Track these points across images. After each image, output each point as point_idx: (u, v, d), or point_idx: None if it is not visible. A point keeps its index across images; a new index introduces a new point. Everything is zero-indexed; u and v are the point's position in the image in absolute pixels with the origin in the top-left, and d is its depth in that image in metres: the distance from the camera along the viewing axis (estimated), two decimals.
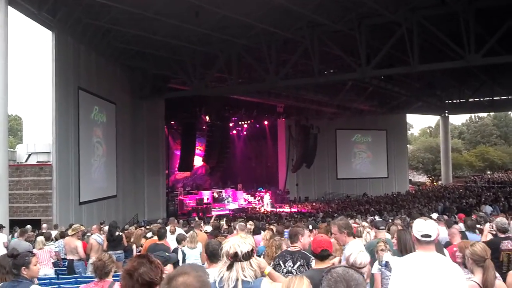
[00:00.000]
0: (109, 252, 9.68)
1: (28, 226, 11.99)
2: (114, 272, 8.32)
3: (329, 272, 2.44)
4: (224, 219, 18.65)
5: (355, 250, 4.04)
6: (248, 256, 3.12)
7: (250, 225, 10.77)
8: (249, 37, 22.64)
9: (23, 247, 8.38)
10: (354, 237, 5.18)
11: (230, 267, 3.11)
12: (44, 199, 19.29)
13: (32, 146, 23.34)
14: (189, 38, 22.16)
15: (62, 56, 19.20)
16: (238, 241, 3.16)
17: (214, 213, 29.84)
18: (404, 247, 5.28)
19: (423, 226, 3.61)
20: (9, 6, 15.51)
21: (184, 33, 21.33)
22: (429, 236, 3.57)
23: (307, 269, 4.44)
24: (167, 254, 5.42)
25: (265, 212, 32.38)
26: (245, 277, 3.09)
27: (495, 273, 3.96)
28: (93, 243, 9.84)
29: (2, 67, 14.87)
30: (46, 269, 9.16)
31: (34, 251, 9.18)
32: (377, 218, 17.02)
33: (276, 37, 22.27)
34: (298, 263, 4.61)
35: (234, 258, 3.10)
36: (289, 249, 4.91)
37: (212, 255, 4.52)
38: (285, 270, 4.57)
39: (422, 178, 65.36)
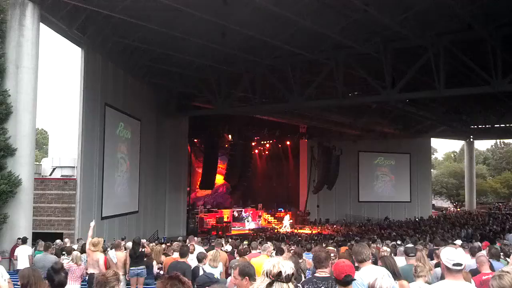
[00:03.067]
0: (131, 268, 9.74)
1: (58, 241, 12.09)
2: None
3: None
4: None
5: (379, 275, 3.97)
6: (289, 278, 3.07)
7: (270, 245, 10.70)
8: (274, 57, 22.79)
9: (49, 261, 8.43)
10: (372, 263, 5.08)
11: (269, 286, 3.05)
12: (67, 213, 19.50)
13: (57, 160, 23.62)
14: (214, 57, 22.42)
15: (90, 73, 19.55)
16: (282, 261, 3.12)
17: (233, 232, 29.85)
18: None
19: (454, 254, 3.57)
20: (41, 23, 15.92)
21: (210, 52, 21.60)
22: (460, 264, 3.53)
23: None
24: (215, 276, 5.35)
25: (285, 233, 32.16)
26: None
27: None
28: (108, 259, 9.90)
29: (32, 82, 15.17)
30: (75, 285, 9.16)
31: (71, 265, 9.25)
32: (399, 243, 16.78)
33: (300, 58, 22.36)
34: None
35: (277, 277, 3.05)
36: (317, 274, 4.65)
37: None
38: None
39: (446, 203, 64.27)
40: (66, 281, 4.27)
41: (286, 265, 3.09)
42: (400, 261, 6.86)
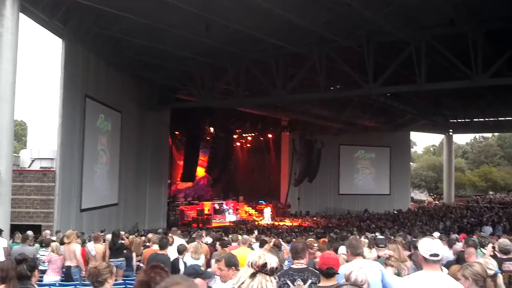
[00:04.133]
0: (111, 260, 9.68)
1: (29, 232, 11.95)
2: (115, 281, 8.34)
3: None
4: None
5: (354, 267, 4.02)
6: (273, 271, 3.08)
7: (252, 238, 10.75)
8: (258, 50, 22.75)
9: (28, 253, 8.34)
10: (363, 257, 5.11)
11: (253, 276, 3.05)
12: (46, 205, 19.31)
13: (36, 151, 23.38)
14: (198, 50, 22.27)
15: (71, 64, 19.29)
16: (268, 254, 3.13)
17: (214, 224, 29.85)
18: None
19: (431, 245, 3.63)
20: (20, 13, 15.66)
21: (193, 45, 21.45)
22: (437, 255, 3.59)
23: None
24: (201, 268, 5.40)
25: (265, 225, 32.29)
26: None
27: None
28: (87, 251, 9.85)
29: (10, 73, 14.93)
30: (55, 276, 9.09)
31: (52, 255, 9.17)
32: (377, 235, 16.96)
33: (284, 51, 22.36)
34: (310, 281, 4.43)
35: (261, 268, 3.05)
36: (293, 266, 4.67)
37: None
38: None
39: (424, 196, 65.12)
40: (28, 274, 4.17)
41: (271, 258, 3.10)
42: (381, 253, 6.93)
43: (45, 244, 10.86)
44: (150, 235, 12.67)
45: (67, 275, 9.35)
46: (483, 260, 4.80)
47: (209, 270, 7.01)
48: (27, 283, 4.16)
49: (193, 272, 4.63)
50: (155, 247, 9.10)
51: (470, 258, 6.50)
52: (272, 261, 3.09)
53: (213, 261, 7.40)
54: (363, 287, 3.78)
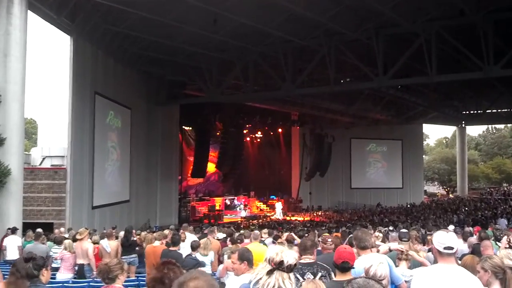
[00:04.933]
0: (123, 256, 9.64)
1: (40, 230, 11.97)
2: (127, 277, 8.31)
3: (349, 283, 2.39)
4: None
5: (375, 262, 3.95)
6: (290, 268, 3.07)
7: (264, 233, 10.67)
8: (266, 44, 22.67)
9: (40, 251, 8.31)
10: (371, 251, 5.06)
11: (270, 273, 3.05)
12: (58, 202, 19.38)
13: (47, 149, 23.41)
14: (206, 45, 22.23)
15: (79, 61, 19.33)
16: (286, 251, 3.12)
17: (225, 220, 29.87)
18: None
19: (445, 238, 3.55)
20: (28, 11, 15.68)
21: (201, 40, 21.41)
22: (452, 248, 3.51)
23: (329, 280, 4.31)
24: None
25: (277, 220, 32.24)
26: (285, 287, 3.03)
27: None
28: (100, 248, 9.81)
29: (20, 71, 14.98)
30: (68, 274, 9.07)
31: (65, 253, 9.15)
32: (391, 228, 16.83)
33: (293, 45, 22.25)
34: (320, 274, 4.41)
35: (278, 265, 3.04)
36: (302, 261, 4.61)
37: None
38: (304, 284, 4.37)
39: (438, 189, 64.72)
40: (34, 273, 4.12)
41: (289, 255, 3.10)
42: (393, 247, 6.85)
43: (58, 242, 10.85)
44: (165, 231, 12.65)
45: (80, 273, 9.30)
46: (505, 251, 4.68)
47: (221, 266, 6.97)
48: (36, 281, 4.12)
49: (195, 263, 4.61)
50: (157, 243, 9.06)
51: (486, 251, 6.36)
52: (290, 258, 3.08)
53: (225, 256, 7.36)
54: (383, 282, 3.70)
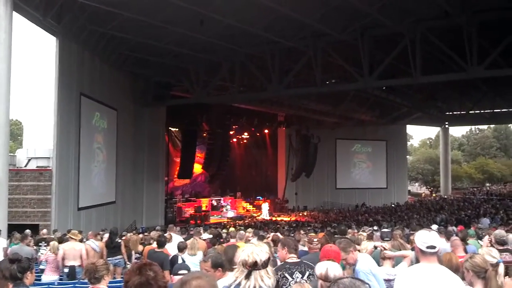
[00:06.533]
0: (108, 258, 9.63)
1: (28, 231, 11.90)
2: (113, 279, 8.31)
3: (335, 283, 2.44)
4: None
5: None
6: (266, 264, 3.08)
7: (249, 232, 10.75)
8: (253, 45, 22.70)
9: (26, 253, 8.27)
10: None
11: (248, 276, 3.06)
12: (43, 204, 19.24)
13: (32, 151, 23.24)
14: (193, 46, 22.20)
15: (65, 62, 19.22)
16: (256, 249, 3.12)
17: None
18: None
19: (427, 237, 3.60)
20: (14, 12, 15.58)
21: (188, 41, 21.38)
22: (434, 247, 3.57)
23: (316, 279, 4.36)
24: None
25: (263, 220, 32.30)
26: (265, 285, 3.05)
27: (497, 282, 3.90)
28: (88, 248, 9.73)
29: (5, 72, 14.88)
30: (53, 276, 9.00)
31: (49, 255, 9.09)
32: (375, 228, 16.98)
33: (279, 46, 22.31)
34: (307, 273, 4.45)
35: (253, 267, 3.06)
36: (289, 260, 4.69)
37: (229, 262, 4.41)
38: (293, 283, 4.35)
39: (421, 189, 65.27)
40: (18, 275, 4.12)
41: (260, 253, 3.10)
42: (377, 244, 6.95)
43: (47, 243, 10.80)
44: (153, 233, 12.64)
45: (71, 274, 9.10)
46: (486, 249, 4.80)
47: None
48: (19, 284, 4.11)
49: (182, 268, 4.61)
50: (155, 244, 9.08)
51: (456, 250, 6.47)
52: (262, 255, 3.08)
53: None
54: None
